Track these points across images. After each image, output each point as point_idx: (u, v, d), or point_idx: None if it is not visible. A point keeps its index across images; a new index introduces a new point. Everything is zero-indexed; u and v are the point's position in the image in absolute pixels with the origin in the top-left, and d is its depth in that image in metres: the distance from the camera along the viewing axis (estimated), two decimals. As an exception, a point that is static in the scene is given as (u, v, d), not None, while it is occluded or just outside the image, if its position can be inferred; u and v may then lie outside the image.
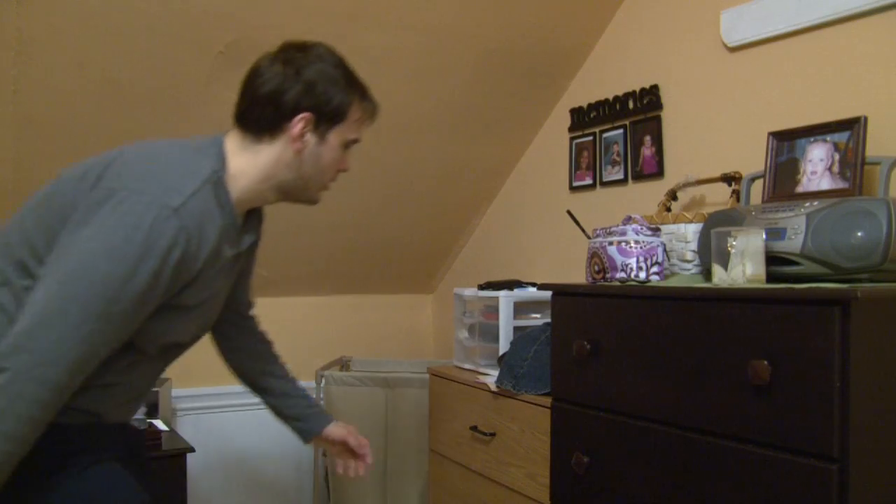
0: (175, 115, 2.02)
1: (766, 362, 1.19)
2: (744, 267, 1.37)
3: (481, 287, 2.29)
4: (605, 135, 2.34)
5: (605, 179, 2.33)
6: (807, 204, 1.40)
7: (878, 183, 1.45)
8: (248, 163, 1.26)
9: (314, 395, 2.70)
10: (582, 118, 2.42)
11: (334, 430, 1.58)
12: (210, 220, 1.18)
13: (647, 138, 2.17)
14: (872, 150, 1.52)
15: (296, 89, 1.25)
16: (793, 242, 1.38)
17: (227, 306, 1.46)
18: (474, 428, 1.99)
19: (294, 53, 1.29)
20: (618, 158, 2.28)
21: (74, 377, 1.07)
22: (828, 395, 1.13)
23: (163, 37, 1.83)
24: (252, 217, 1.36)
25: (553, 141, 2.56)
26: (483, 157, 2.65)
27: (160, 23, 1.80)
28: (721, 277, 1.40)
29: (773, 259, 1.40)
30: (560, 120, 2.52)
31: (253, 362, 1.59)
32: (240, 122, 1.28)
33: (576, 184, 2.45)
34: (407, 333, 3.19)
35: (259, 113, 1.26)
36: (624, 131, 2.26)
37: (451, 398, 2.16)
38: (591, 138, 2.39)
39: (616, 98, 2.28)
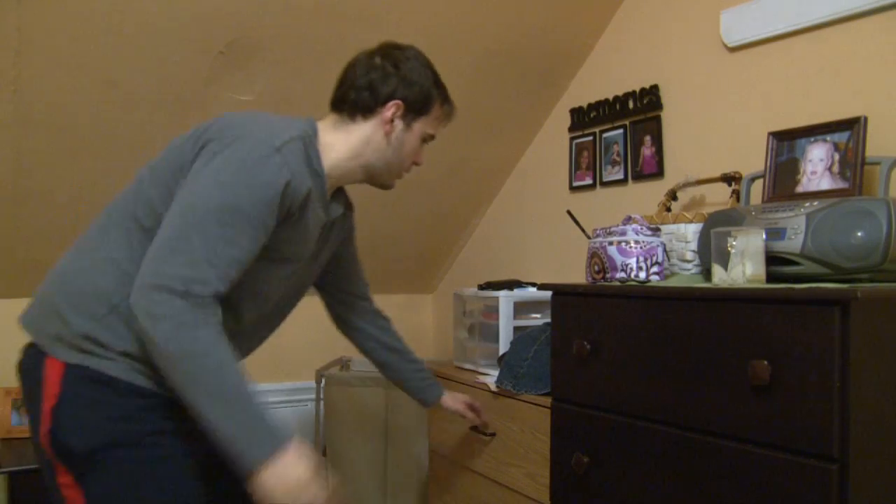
0: (175, 115, 2.02)
1: (766, 362, 1.19)
2: (744, 267, 1.37)
3: (481, 287, 2.29)
4: (605, 135, 2.34)
5: (605, 179, 2.33)
6: (807, 204, 1.40)
7: (878, 183, 1.46)
8: (339, 139, 1.41)
9: (314, 395, 2.71)
10: (582, 118, 2.42)
11: (446, 400, 1.83)
12: (301, 172, 1.28)
13: (647, 138, 2.17)
14: (872, 150, 1.52)
15: (392, 79, 1.42)
16: (793, 242, 1.38)
17: (343, 287, 1.69)
18: (474, 428, 1.99)
19: (392, 50, 1.46)
20: (618, 158, 2.28)
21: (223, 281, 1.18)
22: (828, 395, 1.13)
23: (163, 37, 1.83)
24: (339, 196, 1.50)
25: (553, 141, 2.56)
26: (483, 157, 2.65)
27: (160, 23, 1.80)
28: (721, 277, 1.40)
29: (773, 259, 1.40)
30: (560, 120, 2.52)
31: (373, 342, 1.77)
32: (335, 105, 1.44)
33: (576, 184, 2.45)
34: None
35: (356, 97, 1.41)
36: (624, 131, 2.26)
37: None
38: (591, 138, 2.39)
39: (616, 98, 2.28)
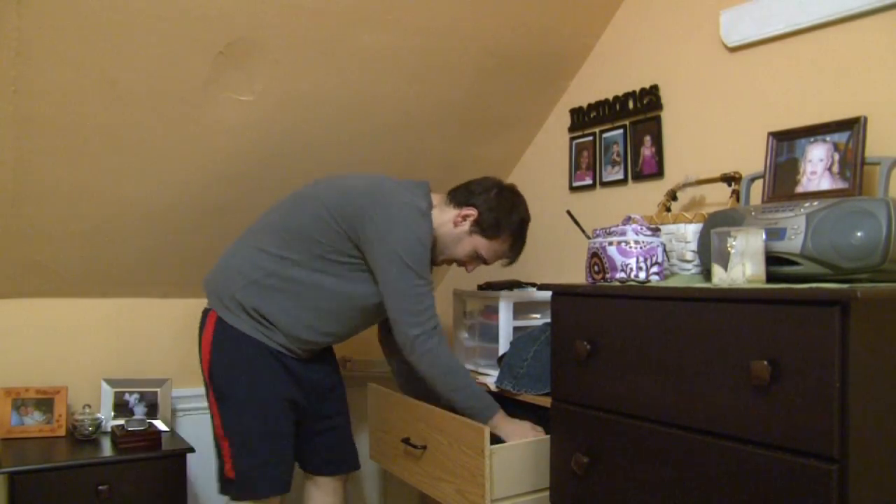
0: (175, 115, 2.02)
1: (766, 362, 1.19)
2: (744, 267, 1.37)
3: (481, 287, 2.29)
4: (605, 135, 2.34)
5: (605, 179, 2.33)
6: (807, 204, 1.40)
7: (878, 183, 1.45)
8: (437, 214, 1.93)
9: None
10: (582, 118, 2.42)
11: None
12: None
13: (647, 138, 2.17)
14: (872, 150, 1.52)
15: (486, 204, 1.92)
16: (793, 242, 1.38)
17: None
18: (406, 440, 1.95)
19: (509, 194, 1.97)
20: (618, 158, 2.28)
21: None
22: (828, 395, 1.13)
23: (163, 37, 1.83)
24: None
25: (553, 141, 2.56)
26: (483, 157, 2.64)
27: (160, 23, 1.80)
28: (721, 277, 1.40)
29: (773, 259, 1.40)
30: (560, 120, 2.52)
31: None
32: (451, 192, 1.97)
33: (576, 184, 2.45)
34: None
35: (462, 196, 1.95)
36: (624, 131, 2.26)
37: (388, 408, 2.11)
38: (591, 138, 2.39)
39: (616, 98, 2.28)
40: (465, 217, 1.92)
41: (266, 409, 1.88)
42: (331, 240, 1.84)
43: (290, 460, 1.95)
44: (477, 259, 1.98)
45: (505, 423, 1.80)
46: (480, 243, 1.94)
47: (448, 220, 1.93)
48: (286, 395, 1.92)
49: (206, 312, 1.96)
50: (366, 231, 1.80)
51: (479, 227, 1.92)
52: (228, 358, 1.89)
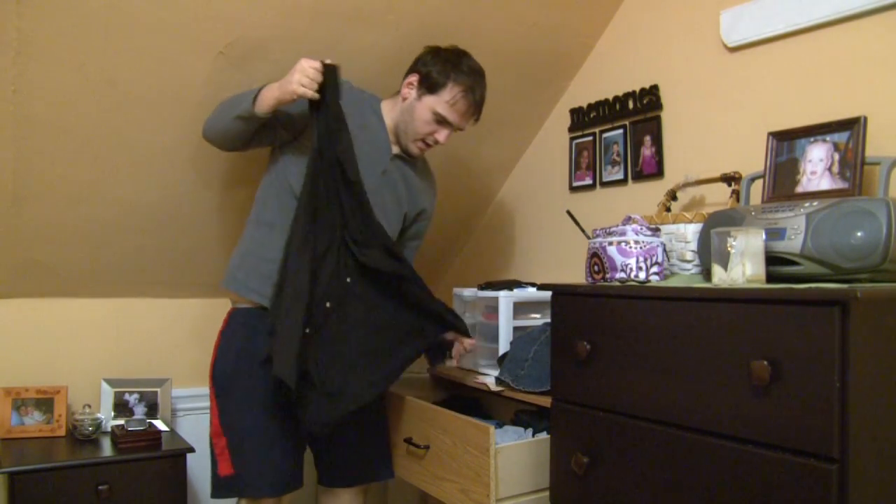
0: (175, 115, 2.02)
1: (766, 362, 1.19)
2: (744, 267, 1.37)
3: (481, 287, 2.28)
4: (605, 135, 2.34)
5: (605, 179, 2.33)
6: (807, 204, 1.40)
7: (877, 183, 1.45)
8: (390, 105, 1.95)
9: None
10: (582, 118, 2.42)
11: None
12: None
13: (647, 138, 2.17)
14: (872, 150, 1.52)
15: (425, 65, 1.87)
16: (793, 242, 1.38)
17: None
18: (408, 440, 1.95)
19: (447, 49, 1.91)
20: (618, 158, 2.28)
21: None
22: (828, 395, 1.13)
23: (163, 37, 1.83)
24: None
25: (553, 141, 2.56)
26: (483, 157, 2.64)
27: (160, 23, 1.80)
28: (721, 277, 1.40)
29: (773, 259, 1.40)
30: (560, 120, 2.52)
31: None
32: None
33: (576, 184, 2.45)
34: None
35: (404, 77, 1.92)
36: (624, 131, 2.26)
37: (390, 409, 2.10)
38: (591, 138, 2.39)
39: (616, 98, 2.28)
40: (409, 85, 1.88)
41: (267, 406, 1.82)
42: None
43: (291, 461, 1.87)
44: (441, 123, 1.88)
45: (269, 87, 1.74)
46: (432, 101, 1.86)
47: (398, 99, 1.91)
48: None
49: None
50: None
51: (425, 85, 1.86)
52: (234, 351, 1.85)
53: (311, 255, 1.71)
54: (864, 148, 1.49)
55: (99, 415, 2.33)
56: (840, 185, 1.52)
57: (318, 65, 1.70)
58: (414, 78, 1.87)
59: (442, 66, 1.85)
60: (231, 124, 1.80)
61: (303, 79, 1.69)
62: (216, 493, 1.83)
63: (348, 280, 1.79)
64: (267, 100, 1.73)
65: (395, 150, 1.95)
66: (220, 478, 1.82)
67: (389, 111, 1.93)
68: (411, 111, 1.87)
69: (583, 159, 2.42)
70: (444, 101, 1.85)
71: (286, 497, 1.89)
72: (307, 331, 1.69)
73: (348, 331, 1.77)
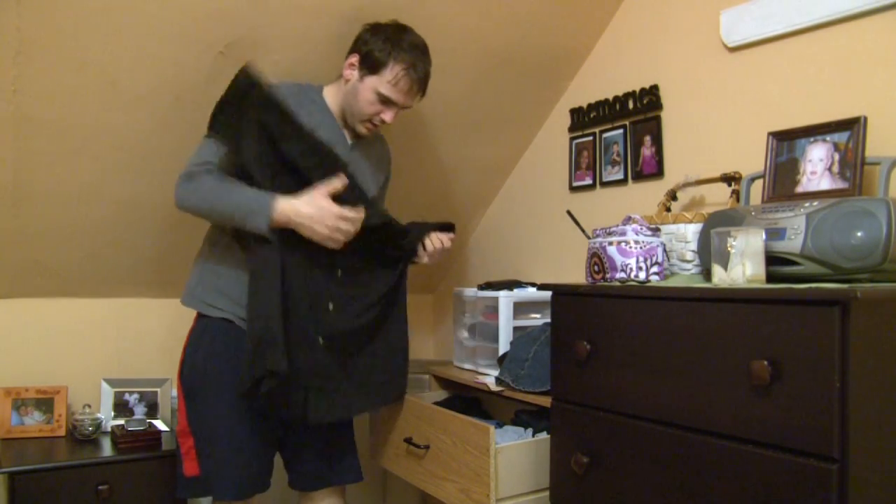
0: (175, 115, 2.02)
1: (766, 362, 1.19)
2: (744, 267, 1.37)
3: (481, 287, 2.29)
4: (605, 135, 2.34)
5: (605, 179, 2.33)
6: (807, 204, 1.40)
7: (877, 183, 1.46)
8: (334, 90, 1.90)
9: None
10: (582, 118, 2.42)
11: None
12: None
13: (647, 138, 2.17)
14: (872, 150, 1.52)
15: (364, 45, 1.81)
16: (793, 242, 1.38)
17: None
18: (408, 440, 1.95)
19: (385, 25, 1.85)
20: (618, 158, 2.28)
21: None
22: (828, 395, 1.13)
23: (163, 37, 1.83)
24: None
25: (553, 141, 2.56)
26: (483, 157, 2.64)
27: (160, 23, 1.80)
28: (721, 277, 1.40)
29: (773, 259, 1.40)
30: (560, 120, 2.52)
31: None
32: None
33: (576, 184, 2.45)
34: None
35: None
36: (624, 131, 2.26)
37: (389, 409, 2.09)
38: (591, 138, 2.39)
39: (616, 98, 2.28)
40: (350, 66, 1.83)
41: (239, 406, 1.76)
42: None
43: (259, 464, 1.82)
44: (385, 103, 1.83)
45: (287, 203, 1.66)
46: (374, 82, 1.80)
47: (341, 82, 1.86)
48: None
49: None
50: None
51: (366, 65, 1.80)
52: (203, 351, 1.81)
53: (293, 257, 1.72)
54: (864, 148, 1.49)
55: (99, 415, 2.33)
56: (840, 185, 1.52)
57: (356, 217, 1.70)
58: (354, 58, 1.82)
59: (382, 44, 1.79)
60: (224, 220, 1.75)
61: (345, 235, 1.70)
62: (181, 492, 1.81)
63: (339, 273, 1.81)
64: (284, 226, 1.68)
65: (349, 136, 1.91)
66: (185, 478, 1.79)
67: (334, 96, 1.88)
68: (355, 93, 1.82)
69: (583, 159, 2.42)
70: (387, 80, 1.79)
71: (254, 498, 1.83)
72: (321, 340, 1.75)
73: (355, 318, 1.83)
